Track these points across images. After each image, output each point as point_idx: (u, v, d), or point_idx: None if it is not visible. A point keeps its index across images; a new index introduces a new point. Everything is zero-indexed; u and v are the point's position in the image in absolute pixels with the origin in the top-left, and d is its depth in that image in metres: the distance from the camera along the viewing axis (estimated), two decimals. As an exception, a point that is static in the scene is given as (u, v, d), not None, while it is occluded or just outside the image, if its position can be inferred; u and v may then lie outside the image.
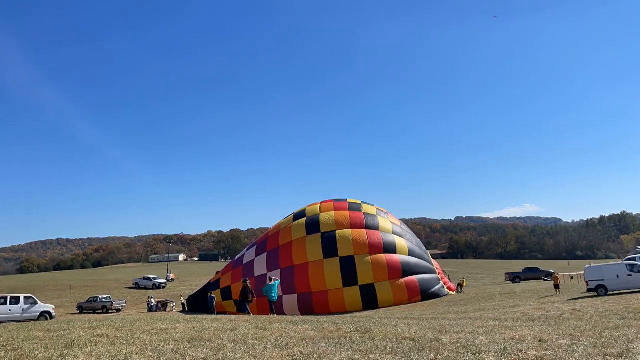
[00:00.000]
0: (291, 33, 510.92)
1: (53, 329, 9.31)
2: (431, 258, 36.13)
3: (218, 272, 41.23)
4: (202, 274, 78.23)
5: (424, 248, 36.31)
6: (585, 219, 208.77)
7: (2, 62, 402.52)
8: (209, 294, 33.33)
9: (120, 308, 40.13)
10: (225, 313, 34.18)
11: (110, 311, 38.85)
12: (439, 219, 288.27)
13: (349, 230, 32.61)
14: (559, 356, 5.90)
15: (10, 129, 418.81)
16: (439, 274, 35.06)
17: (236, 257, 38.30)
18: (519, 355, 5.97)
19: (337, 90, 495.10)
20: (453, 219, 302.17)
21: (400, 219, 38.58)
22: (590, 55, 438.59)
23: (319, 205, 36.44)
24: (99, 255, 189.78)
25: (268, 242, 35.40)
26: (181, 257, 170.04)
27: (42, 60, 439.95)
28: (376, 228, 33.20)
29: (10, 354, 6.23)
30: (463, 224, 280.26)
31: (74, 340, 7.25)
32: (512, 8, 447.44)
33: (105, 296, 42.41)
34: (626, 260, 31.22)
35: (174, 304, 41.29)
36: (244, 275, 33.89)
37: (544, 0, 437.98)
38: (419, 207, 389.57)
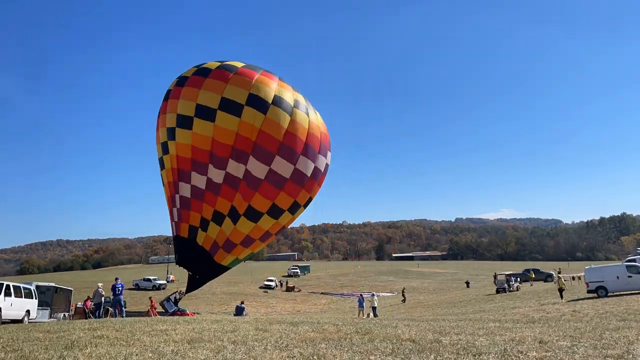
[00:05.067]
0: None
1: (53, 330, 9.32)
2: None
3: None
4: (202, 275, 78.00)
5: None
6: (585, 220, 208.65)
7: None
8: (241, 302, 29.94)
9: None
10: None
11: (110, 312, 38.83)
12: (439, 220, 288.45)
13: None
14: (559, 358, 5.90)
15: (10, 131, 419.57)
16: None
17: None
18: (519, 357, 5.97)
19: (333, 95, 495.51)
20: (453, 220, 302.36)
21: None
22: (591, 58, 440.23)
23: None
24: (98, 256, 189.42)
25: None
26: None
27: (37, 66, 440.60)
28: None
29: (10, 355, 6.23)
30: (463, 225, 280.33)
31: (73, 342, 7.25)
32: (526, 15, 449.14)
33: (107, 297, 42.31)
34: (626, 261, 31.17)
35: None
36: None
37: (550, 13, 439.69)
38: (418, 208, 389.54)
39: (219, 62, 26.56)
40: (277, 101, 24.41)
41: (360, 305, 29.35)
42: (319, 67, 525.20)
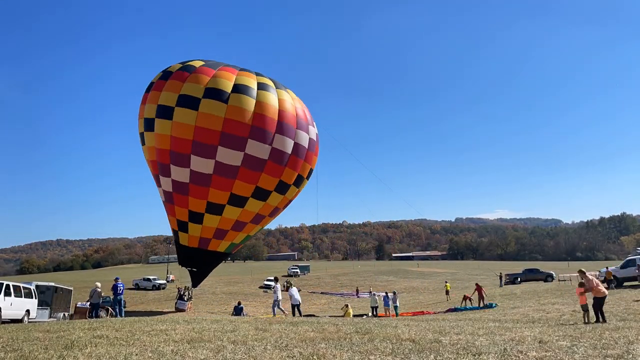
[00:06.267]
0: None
1: (53, 330, 9.32)
2: None
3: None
4: (202, 275, 77.94)
5: None
6: (585, 220, 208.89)
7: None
8: (238, 303, 30.36)
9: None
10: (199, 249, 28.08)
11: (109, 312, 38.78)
12: (439, 220, 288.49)
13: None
14: (559, 357, 5.90)
15: (9, 132, 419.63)
16: None
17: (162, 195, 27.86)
18: (519, 357, 5.96)
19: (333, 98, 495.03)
20: (453, 220, 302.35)
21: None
22: (590, 57, 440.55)
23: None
24: (98, 256, 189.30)
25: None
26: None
27: (33, 66, 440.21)
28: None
29: (10, 354, 6.23)
30: (463, 225, 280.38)
31: (73, 342, 7.25)
32: (519, 11, 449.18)
33: (105, 297, 42.23)
34: (626, 261, 31.15)
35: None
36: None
37: (550, 6, 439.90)
38: (418, 208, 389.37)
39: (181, 63, 26.03)
40: (238, 89, 23.99)
41: (386, 304, 26.62)
42: (315, 66, 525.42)
